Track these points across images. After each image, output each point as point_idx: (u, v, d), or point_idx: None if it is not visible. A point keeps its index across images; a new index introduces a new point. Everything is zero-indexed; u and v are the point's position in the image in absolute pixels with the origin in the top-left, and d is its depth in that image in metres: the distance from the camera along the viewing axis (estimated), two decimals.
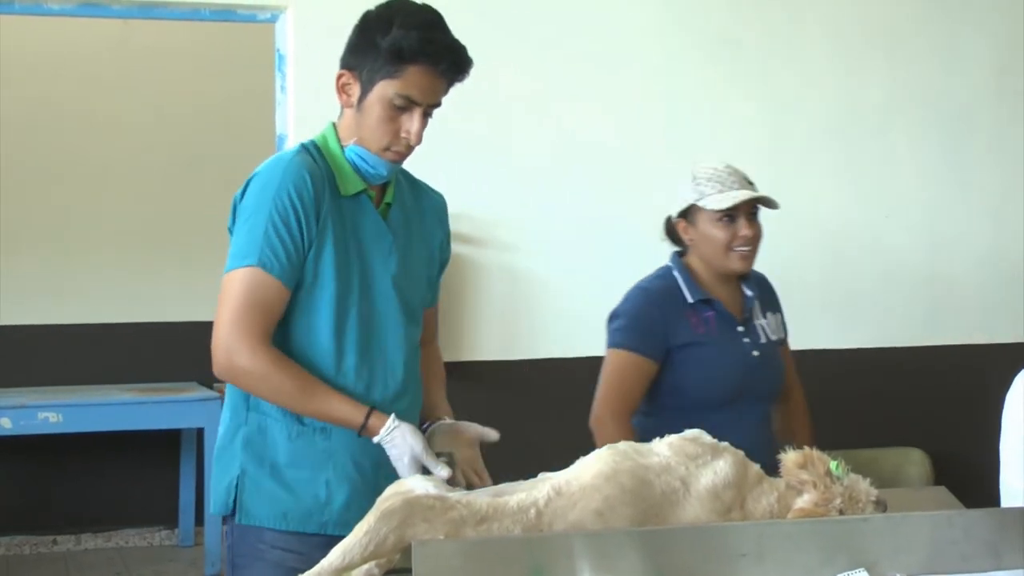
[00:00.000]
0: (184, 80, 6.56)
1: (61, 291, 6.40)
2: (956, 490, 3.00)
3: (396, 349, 2.48)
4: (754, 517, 2.17)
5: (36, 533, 6.31)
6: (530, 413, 4.18)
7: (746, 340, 3.26)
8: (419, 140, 2.45)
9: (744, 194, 3.20)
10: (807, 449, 2.24)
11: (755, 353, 3.26)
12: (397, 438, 2.36)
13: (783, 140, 4.47)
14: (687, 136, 4.34)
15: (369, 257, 2.46)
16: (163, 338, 6.42)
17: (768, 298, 3.42)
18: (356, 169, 2.46)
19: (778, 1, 4.45)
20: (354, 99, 2.43)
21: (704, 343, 3.18)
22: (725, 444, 2.23)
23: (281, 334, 2.41)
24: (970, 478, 4.27)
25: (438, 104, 2.46)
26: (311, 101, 3.97)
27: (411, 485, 2.19)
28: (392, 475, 2.39)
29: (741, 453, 2.23)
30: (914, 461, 4.52)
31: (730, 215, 3.20)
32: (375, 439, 2.37)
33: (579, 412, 4.24)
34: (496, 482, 2.38)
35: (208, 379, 6.09)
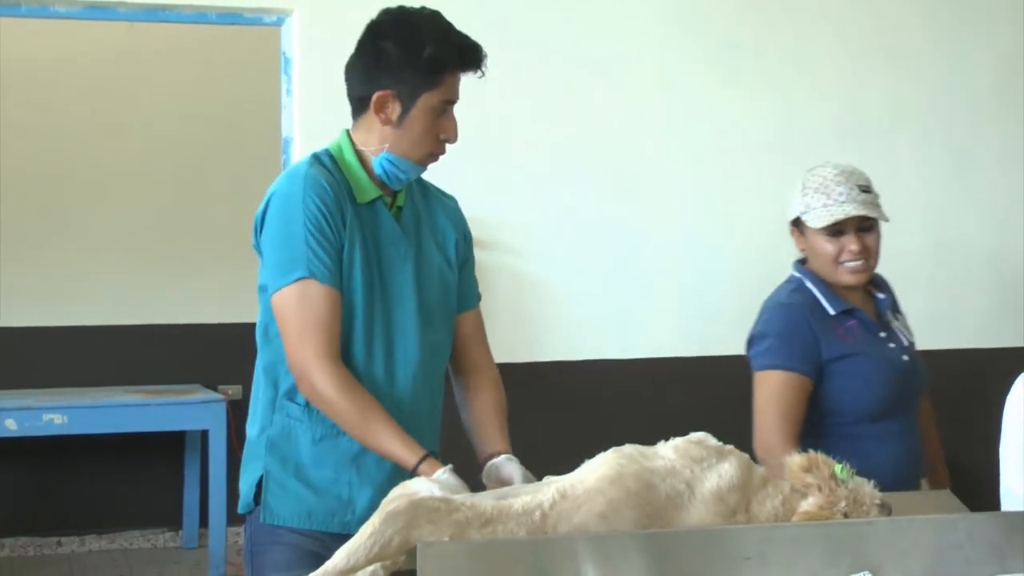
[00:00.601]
0: (189, 83, 6.57)
1: (66, 293, 6.41)
2: (959, 494, 3.00)
3: (413, 352, 2.50)
4: (759, 520, 2.17)
5: (40, 535, 6.32)
6: (535, 416, 4.18)
7: (892, 345, 3.15)
8: (457, 136, 2.54)
9: (847, 210, 3.06)
10: (811, 452, 2.24)
11: (904, 358, 3.15)
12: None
13: (787, 144, 4.48)
14: (691, 140, 4.34)
15: (387, 263, 2.49)
16: (168, 340, 6.43)
17: (894, 299, 3.29)
18: (383, 177, 2.50)
19: (781, 5, 4.45)
20: (394, 116, 2.48)
21: (855, 354, 3.04)
22: (730, 447, 2.23)
23: None
24: (973, 482, 4.27)
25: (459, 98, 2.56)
26: (316, 104, 3.97)
27: (416, 487, 2.19)
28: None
29: (746, 456, 2.23)
30: None
31: (837, 229, 3.09)
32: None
33: (583, 415, 4.25)
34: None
35: (212, 381, 6.10)
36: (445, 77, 2.47)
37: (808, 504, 2.19)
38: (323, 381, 2.36)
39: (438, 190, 2.74)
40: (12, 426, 5.46)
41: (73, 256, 6.44)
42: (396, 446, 2.38)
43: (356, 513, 2.44)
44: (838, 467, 2.23)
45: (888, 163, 4.60)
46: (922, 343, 4.69)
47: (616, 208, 4.26)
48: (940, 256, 4.62)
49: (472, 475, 2.48)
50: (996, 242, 4.65)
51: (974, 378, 4.57)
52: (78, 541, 6.37)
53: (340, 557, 2.06)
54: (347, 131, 2.57)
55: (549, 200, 4.18)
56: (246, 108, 6.41)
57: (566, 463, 2.65)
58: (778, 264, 4.68)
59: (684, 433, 2.50)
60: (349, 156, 2.52)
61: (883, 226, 4.73)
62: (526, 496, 2.14)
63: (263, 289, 2.47)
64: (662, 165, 4.31)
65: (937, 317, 4.62)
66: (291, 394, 2.47)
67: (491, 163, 4.14)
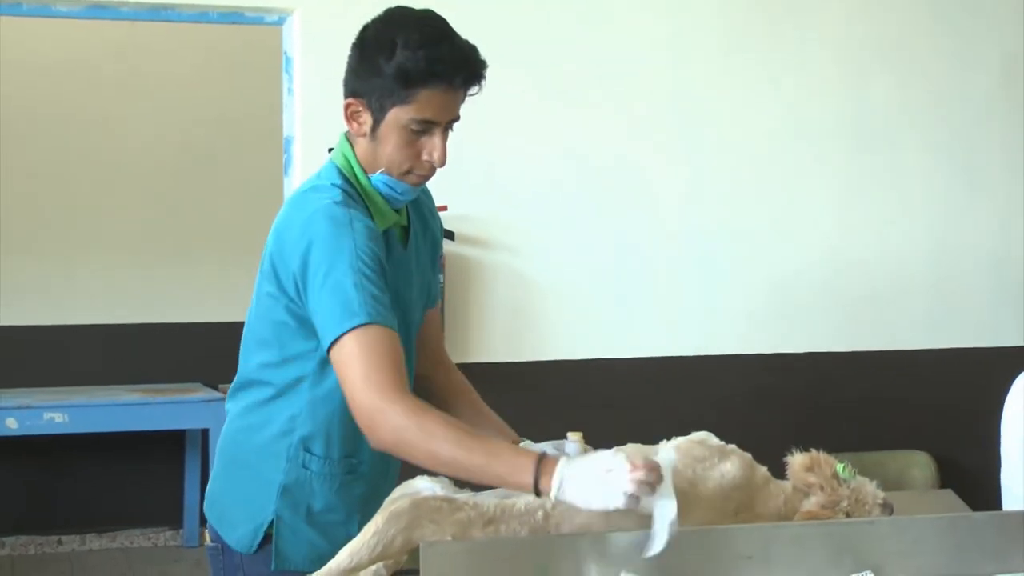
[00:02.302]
0: (190, 82, 6.57)
1: (66, 292, 6.41)
2: (961, 493, 3.00)
3: (410, 369, 2.37)
4: (761, 520, 2.17)
5: (41, 533, 6.32)
6: (536, 415, 4.18)
7: None
8: (444, 161, 2.28)
9: None
10: (814, 452, 2.24)
11: None
12: (571, 484, 1.99)
13: (790, 146, 4.48)
14: (693, 141, 4.35)
15: (399, 287, 2.34)
16: (169, 339, 6.43)
17: None
18: (384, 197, 2.32)
19: (785, 8, 4.45)
20: (366, 127, 2.28)
21: None
22: (732, 447, 2.24)
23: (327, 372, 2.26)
24: (975, 481, 4.27)
25: (458, 118, 2.31)
26: (318, 103, 3.97)
27: (419, 486, 2.19)
28: None
29: (748, 456, 2.23)
30: (919, 464, 4.53)
31: None
32: (552, 494, 2.00)
33: (584, 414, 4.25)
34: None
35: (213, 380, 6.10)
36: (416, 92, 2.21)
37: (810, 503, 2.19)
38: (403, 406, 2.10)
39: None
40: (13, 425, 5.46)
41: (74, 255, 6.44)
42: (504, 454, 2.07)
43: None
44: (840, 466, 2.23)
45: (892, 164, 4.60)
46: (924, 342, 4.72)
47: (617, 207, 4.26)
48: (943, 255, 4.62)
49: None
50: (999, 241, 4.65)
51: (975, 377, 4.57)
52: (79, 540, 6.37)
53: (343, 556, 2.06)
54: (345, 135, 2.37)
55: (549, 199, 4.18)
56: (247, 107, 6.41)
57: None
58: (782, 263, 4.70)
59: (686, 432, 2.50)
60: (363, 180, 2.32)
61: (888, 227, 4.75)
62: (529, 496, 2.13)
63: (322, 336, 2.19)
64: (664, 164, 4.31)
65: (939, 316, 4.62)
66: (308, 444, 2.33)
67: (491, 162, 4.14)
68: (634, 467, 1.93)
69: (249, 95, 6.39)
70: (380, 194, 2.31)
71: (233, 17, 4.17)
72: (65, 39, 6.23)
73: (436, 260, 2.55)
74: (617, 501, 1.93)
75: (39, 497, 6.34)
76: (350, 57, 2.33)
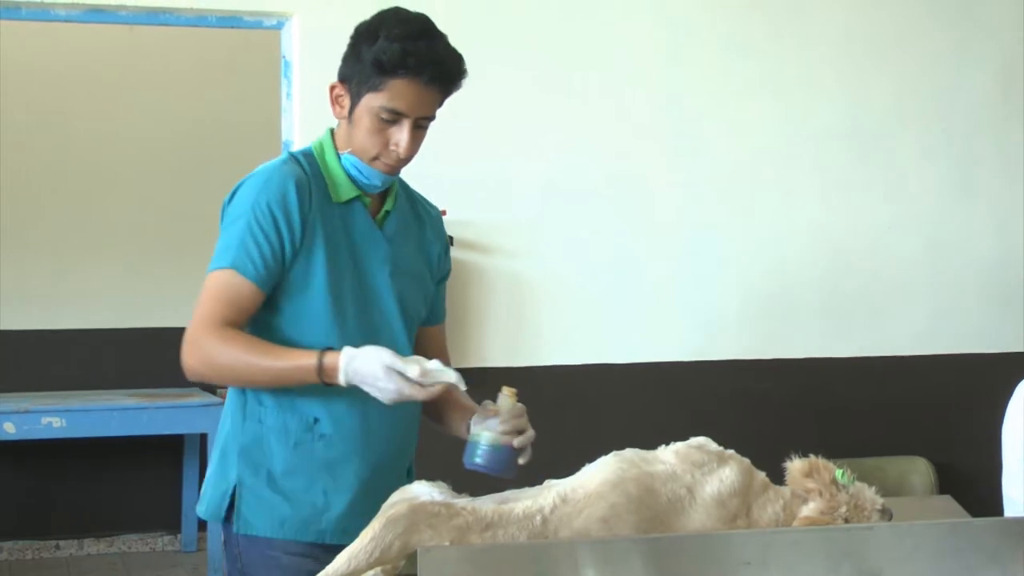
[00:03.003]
0: (190, 86, 6.57)
1: (64, 296, 6.40)
2: (960, 499, 2.99)
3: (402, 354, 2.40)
4: (759, 525, 2.17)
5: (39, 538, 6.31)
6: (534, 420, 4.18)
7: None
8: (409, 153, 2.42)
9: None
10: (812, 457, 2.24)
11: None
12: (361, 363, 2.26)
13: (788, 147, 4.48)
14: (693, 144, 4.34)
15: (365, 263, 2.45)
16: (166, 343, 6.38)
17: None
18: (351, 177, 2.46)
19: (785, 8, 4.45)
20: (346, 110, 2.44)
21: None
22: (731, 452, 2.23)
23: (279, 342, 2.38)
24: (973, 487, 4.27)
25: (431, 117, 2.43)
26: (317, 107, 3.97)
27: (416, 492, 2.19)
28: (395, 483, 2.35)
29: (747, 461, 2.23)
30: (918, 470, 4.53)
31: None
32: (341, 378, 2.27)
33: (583, 419, 4.24)
34: (501, 489, 2.38)
35: (211, 385, 6.09)
36: (388, 81, 2.35)
37: (809, 509, 2.19)
38: (212, 335, 2.33)
39: (424, 200, 2.69)
40: (11, 429, 5.46)
41: (72, 259, 6.43)
42: (295, 355, 2.31)
43: (331, 521, 2.41)
44: (839, 472, 2.23)
45: (890, 166, 4.60)
46: (922, 348, 4.72)
47: (614, 211, 4.26)
48: (941, 260, 4.62)
49: (480, 486, 2.48)
50: (997, 246, 4.65)
51: (974, 382, 4.57)
52: (76, 544, 6.36)
53: (341, 561, 2.06)
54: (331, 129, 2.54)
55: (549, 204, 4.18)
56: (246, 112, 6.40)
57: (566, 467, 2.65)
58: (779, 268, 4.70)
59: (685, 438, 2.50)
60: (330, 155, 2.47)
61: (886, 230, 4.76)
62: (527, 500, 2.13)
63: None
64: (662, 169, 4.31)
65: (937, 322, 4.62)
66: (260, 398, 2.43)
67: (489, 167, 4.14)
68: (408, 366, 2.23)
69: (248, 99, 6.39)
70: (349, 174, 2.45)
71: (232, 21, 4.17)
72: (65, 43, 6.23)
73: (435, 275, 2.61)
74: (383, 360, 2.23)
75: (37, 502, 6.33)
76: (347, 48, 2.48)
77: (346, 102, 2.43)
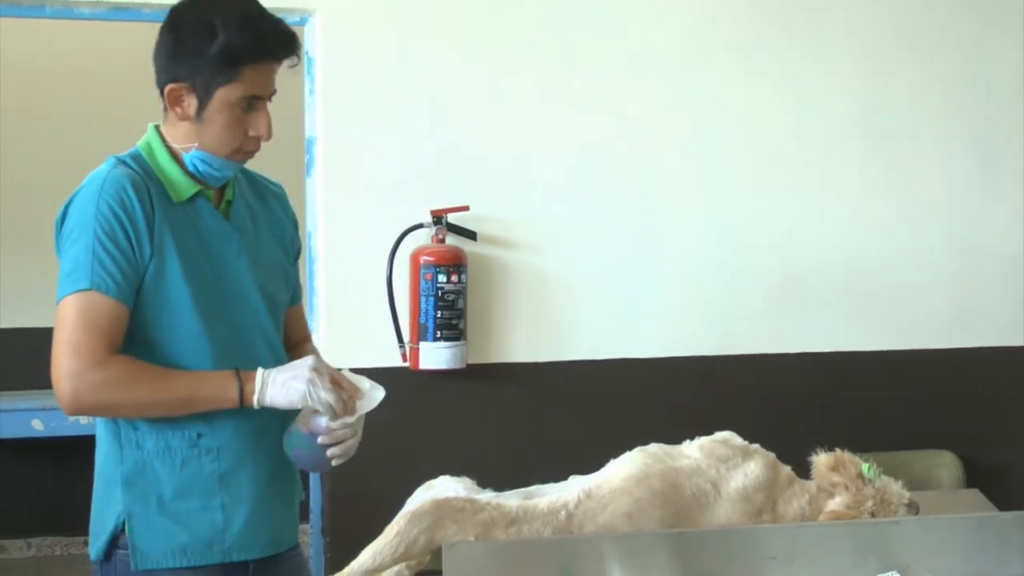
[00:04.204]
0: None
1: None
2: (987, 493, 2.97)
3: (264, 351, 2.31)
4: (785, 520, 2.16)
5: (67, 534, 6.34)
6: (558, 415, 4.17)
7: None
8: (271, 135, 2.32)
9: None
10: (838, 451, 2.23)
11: None
12: (277, 386, 2.16)
13: (809, 141, 4.44)
14: (711, 138, 4.32)
15: (221, 261, 2.31)
16: None
17: None
18: (198, 175, 2.31)
19: (801, 3, 4.42)
20: (191, 111, 2.27)
21: None
22: (756, 446, 2.23)
23: (148, 357, 2.22)
24: (1001, 481, 4.24)
25: (275, 91, 2.34)
26: (340, 104, 3.97)
27: (441, 487, 2.19)
28: (291, 480, 2.29)
29: (772, 455, 2.22)
30: (945, 464, 4.49)
31: None
32: (255, 399, 2.16)
33: (606, 414, 4.23)
34: (526, 484, 2.37)
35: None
36: (243, 70, 2.24)
37: (835, 503, 2.18)
38: (106, 367, 2.15)
39: (264, 178, 2.57)
40: (38, 426, 5.47)
41: None
42: (208, 380, 2.18)
43: (235, 537, 2.23)
44: (865, 466, 2.22)
45: (911, 161, 4.56)
46: (948, 341, 4.68)
47: (636, 206, 4.24)
48: (964, 253, 4.57)
49: (504, 482, 2.48)
50: (1021, 238, 4.61)
51: (1000, 376, 4.53)
52: None
53: (366, 556, 2.06)
54: (155, 126, 2.37)
55: (570, 199, 4.17)
56: (268, 108, 6.40)
57: (590, 462, 2.64)
58: (804, 262, 4.66)
59: (708, 432, 2.48)
60: (160, 154, 2.32)
61: (908, 223, 4.70)
62: (551, 496, 2.13)
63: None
64: (682, 163, 4.29)
65: (962, 315, 4.59)
66: (133, 423, 2.23)
67: (512, 162, 4.13)
68: (315, 368, 2.13)
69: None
70: (194, 170, 2.31)
71: None
72: (68, 39, 6.20)
73: (291, 256, 2.49)
74: (299, 390, 2.12)
75: (65, 498, 6.35)
76: (162, 43, 2.33)
77: (190, 102, 2.27)
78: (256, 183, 2.50)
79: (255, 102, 2.28)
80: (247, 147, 2.31)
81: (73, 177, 2.43)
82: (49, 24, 5.65)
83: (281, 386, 2.15)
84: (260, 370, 2.17)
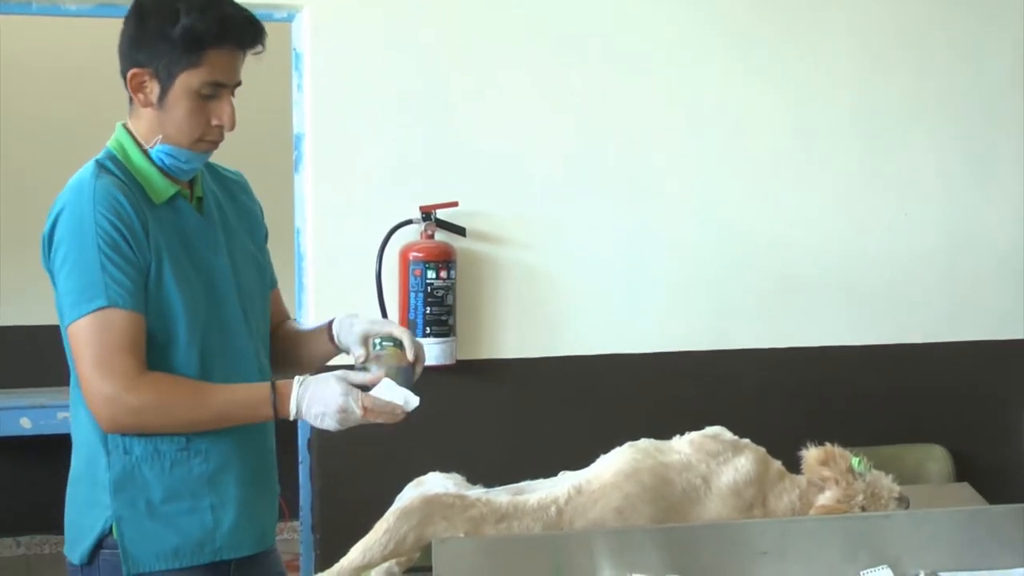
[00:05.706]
0: None
1: None
2: (977, 487, 2.97)
3: (248, 346, 2.33)
4: (776, 514, 2.16)
5: (56, 532, 6.32)
6: (549, 411, 4.17)
7: None
8: (234, 124, 2.30)
9: None
10: (829, 446, 2.23)
11: None
12: (315, 396, 2.16)
13: (805, 137, 4.45)
14: (707, 134, 4.32)
15: (202, 260, 2.30)
16: None
17: None
18: (165, 170, 2.28)
19: (797, 2, 4.42)
20: (153, 97, 2.24)
21: None
22: (746, 441, 2.22)
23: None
24: (991, 475, 4.24)
25: (240, 82, 2.33)
26: (328, 100, 3.96)
27: (431, 483, 2.18)
28: (273, 476, 2.32)
29: (762, 450, 2.22)
30: (935, 458, 4.50)
31: None
32: (291, 411, 2.17)
33: (597, 410, 4.23)
34: (516, 480, 2.37)
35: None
36: (206, 54, 2.21)
37: (825, 498, 2.18)
38: (141, 389, 2.14)
39: (224, 169, 2.56)
40: (27, 424, 5.46)
41: None
42: (242, 392, 2.20)
43: (225, 536, 2.24)
44: (855, 460, 2.22)
45: (905, 157, 4.56)
46: (939, 335, 4.68)
47: (630, 201, 4.24)
48: (957, 248, 4.58)
49: (494, 477, 2.47)
50: (1015, 234, 4.62)
51: (991, 370, 4.54)
52: None
53: (356, 553, 2.05)
54: (123, 125, 2.33)
55: (561, 195, 4.16)
56: (256, 104, 6.33)
57: (580, 458, 2.63)
58: (796, 257, 4.66)
59: (699, 427, 2.48)
60: (134, 154, 2.29)
61: (902, 218, 4.70)
62: (541, 491, 2.13)
63: (62, 318, 2.22)
64: (677, 159, 4.29)
65: (954, 310, 4.59)
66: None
67: (502, 158, 4.13)
68: (343, 409, 2.13)
69: (258, 92, 6.34)
70: (160, 166, 2.29)
71: None
72: (68, 38, 6.20)
73: (260, 244, 2.50)
74: (332, 426, 2.14)
75: (53, 496, 6.32)
76: (126, 28, 2.29)
77: (152, 88, 2.24)
78: (218, 175, 2.49)
79: (218, 90, 2.25)
80: (209, 136, 2.29)
81: (72, 176, 2.39)
82: (49, 24, 5.63)
83: (315, 418, 2.16)
84: (295, 399, 2.17)
